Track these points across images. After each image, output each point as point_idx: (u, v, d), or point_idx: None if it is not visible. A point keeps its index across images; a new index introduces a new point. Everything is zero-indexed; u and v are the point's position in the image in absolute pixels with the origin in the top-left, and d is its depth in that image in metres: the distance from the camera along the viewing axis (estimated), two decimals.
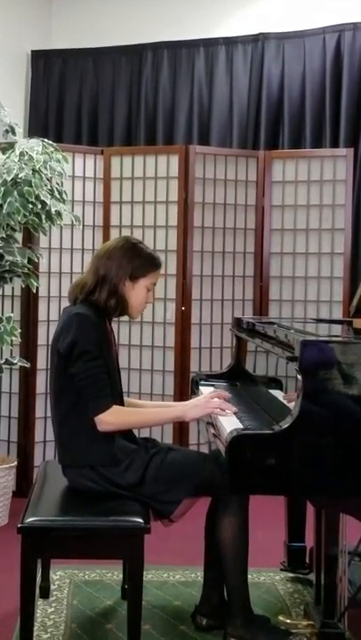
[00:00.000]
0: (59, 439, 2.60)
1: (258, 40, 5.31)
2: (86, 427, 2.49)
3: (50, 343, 4.14)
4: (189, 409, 2.62)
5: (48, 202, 3.56)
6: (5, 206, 3.47)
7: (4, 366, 3.80)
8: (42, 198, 3.53)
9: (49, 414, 4.18)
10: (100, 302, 2.57)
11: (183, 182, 4.46)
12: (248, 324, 3.18)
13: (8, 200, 3.47)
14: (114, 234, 4.49)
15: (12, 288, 4.21)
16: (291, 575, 3.17)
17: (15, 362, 3.80)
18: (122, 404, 2.68)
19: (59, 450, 2.62)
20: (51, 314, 4.33)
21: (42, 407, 4.30)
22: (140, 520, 2.37)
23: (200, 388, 3.15)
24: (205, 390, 3.05)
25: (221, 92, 5.40)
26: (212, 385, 3.18)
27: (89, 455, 2.52)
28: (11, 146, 3.71)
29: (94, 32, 5.69)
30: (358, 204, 4.93)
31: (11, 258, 3.63)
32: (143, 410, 2.71)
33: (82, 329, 2.48)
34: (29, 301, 4.28)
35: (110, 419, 2.47)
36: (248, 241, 4.64)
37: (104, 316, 2.61)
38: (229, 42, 5.39)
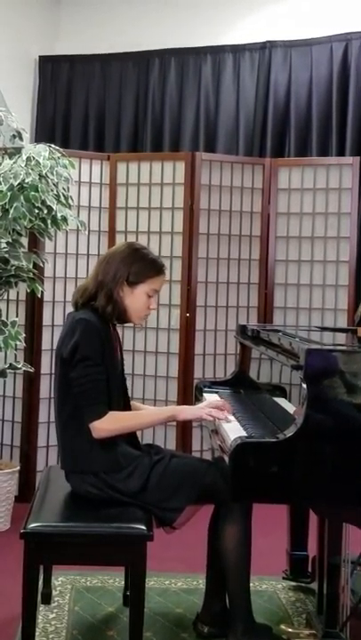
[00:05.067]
0: (62, 444, 2.60)
1: (265, 48, 5.32)
2: (88, 433, 2.49)
3: (53, 348, 4.20)
4: (184, 409, 2.67)
5: (54, 207, 3.56)
6: (12, 211, 3.48)
7: (8, 371, 3.80)
8: (48, 203, 3.53)
9: (52, 419, 4.17)
10: (99, 308, 2.57)
11: (189, 189, 4.47)
12: (253, 331, 3.17)
13: (14, 205, 3.47)
14: (119, 239, 4.49)
15: (17, 292, 4.22)
16: (293, 584, 3.16)
17: (19, 366, 3.80)
18: (128, 408, 2.68)
19: (61, 455, 2.62)
20: (55, 319, 4.33)
21: (45, 412, 4.29)
22: (143, 527, 2.37)
23: (204, 394, 3.15)
24: (210, 397, 3.04)
25: (228, 100, 5.41)
26: (216, 392, 3.18)
27: (91, 461, 2.52)
28: (18, 151, 3.72)
29: (102, 38, 5.70)
30: None
31: (16, 262, 3.63)
32: (137, 413, 2.70)
33: (85, 334, 2.48)
34: (34, 306, 4.29)
35: (104, 425, 2.47)
36: (253, 248, 4.64)
37: (108, 321, 2.61)
38: (236, 49, 5.40)
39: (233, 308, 4.61)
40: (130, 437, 2.64)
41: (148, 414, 2.69)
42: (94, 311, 2.57)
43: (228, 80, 5.42)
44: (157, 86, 5.58)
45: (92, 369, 2.46)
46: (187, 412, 2.65)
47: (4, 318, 3.76)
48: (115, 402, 2.55)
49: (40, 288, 3.80)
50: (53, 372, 2.67)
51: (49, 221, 3.60)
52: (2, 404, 4.36)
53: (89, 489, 2.53)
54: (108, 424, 2.47)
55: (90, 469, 2.52)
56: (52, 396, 2.70)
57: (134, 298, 2.60)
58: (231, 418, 2.61)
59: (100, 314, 2.57)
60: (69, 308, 4.18)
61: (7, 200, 3.48)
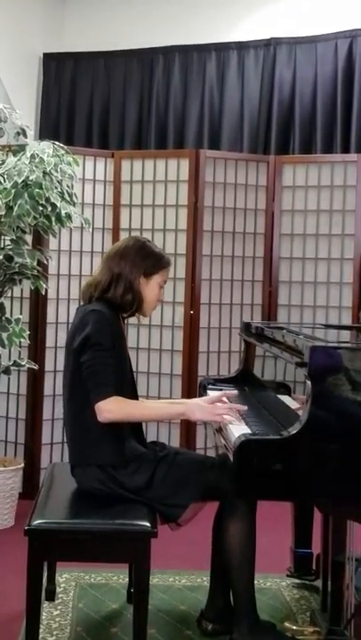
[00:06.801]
0: (70, 437, 2.61)
1: (270, 45, 5.31)
2: (97, 425, 2.49)
3: (57, 345, 4.23)
4: (195, 409, 2.57)
5: (58, 204, 3.56)
6: (16, 208, 3.48)
7: (12, 368, 3.80)
8: (52, 201, 3.53)
9: (56, 416, 4.23)
10: (116, 298, 2.60)
11: (193, 186, 4.46)
12: (257, 328, 3.17)
13: (18, 202, 3.47)
14: (123, 237, 4.46)
15: (21, 290, 4.22)
16: (297, 581, 3.16)
17: (23, 364, 3.80)
18: (135, 399, 2.70)
19: (69, 448, 2.62)
20: (59, 316, 4.33)
21: (49, 409, 4.30)
22: (147, 524, 2.37)
23: (208, 392, 3.14)
24: (213, 394, 3.03)
25: (232, 97, 5.41)
26: (221, 389, 3.17)
27: (98, 454, 2.52)
28: (22, 148, 3.72)
29: (106, 35, 5.70)
30: None
31: (20, 260, 3.64)
32: (145, 402, 2.71)
33: (97, 324, 2.51)
34: (38, 303, 4.29)
35: (110, 406, 2.45)
36: (257, 245, 4.63)
37: (118, 313, 2.64)
38: (241, 46, 5.39)
39: (237, 305, 4.60)
40: (136, 433, 2.66)
41: (157, 407, 2.68)
42: (106, 303, 2.60)
43: (233, 77, 5.41)
44: (162, 83, 5.58)
45: (102, 353, 2.48)
46: (199, 413, 2.56)
47: (8, 315, 3.76)
48: (124, 394, 2.55)
49: (44, 285, 3.80)
50: (62, 367, 2.67)
51: (53, 219, 3.60)
52: (6, 402, 4.37)
53: (94, 484, 2.53)
54: (113, 405, 2.46)
55: (96, 462, 2.52)
56: (60, 392, 2.71)
57: (149, 288, 2.66)
58: (245, 407, 2.60)
59: (115, 304, 2.61)
60: (74, 306, 4.22)
61: (11, 197, 3.48)
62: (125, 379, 2.62)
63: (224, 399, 2.66)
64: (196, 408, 2.58)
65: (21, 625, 2.67)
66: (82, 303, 2.70)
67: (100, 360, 2.48)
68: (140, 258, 2.65)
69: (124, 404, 2.52)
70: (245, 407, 2.58)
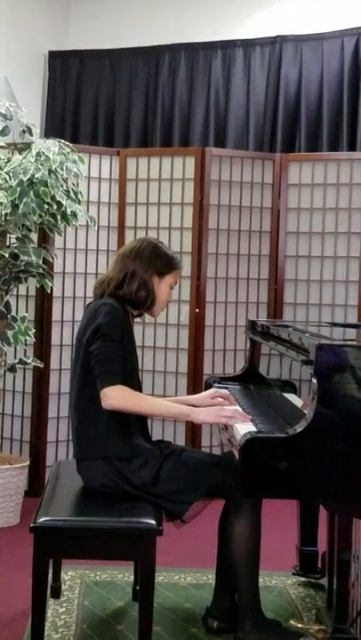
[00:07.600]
0: (76, 432, 2.62)
1: (276, 42, 5.30)
2: (104, 418, 2.51)
3: (63, 343, 4.23)
4: (200, 411, 2.61)
5: (64, 202, 3.56)
6: (21, 206, 3.49)
7: (17, 366, 3.81)
8: (57, 199, 3.54)
9: (62, 414, 4.23)
10: (130, 294, 2.63)
11: (199, 184, 4.46)
12: (262, 326, 3.17)
13: (24, 200, 3.48)
14: (129, 235, 4.49)
15: (27, 288, 4.22)
16: (303, 579, 3.16)
17: (29, 362, 3.81)
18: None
19: (76, 443, 2.63)
20: (65, 314, 4.33)
21: (55, 407, 4.30)
22: (153, 522, 2.37)
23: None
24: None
25: (238, 95, 5.40)
26: (226, 387, 3.17)
27: (104, 446, 2.53)
28: (27, 146, 3.72)
29: (111, 33, 5.70)
30: None
31: (26, 258, 3.64)
32: (150, 397, 2.73)
33: (108, 316, 2.53)
34: (44, 301, 4.29)
35: (115, 394, 2.47)
36: (263, 244, 4.63)
37: (128, 310, 2.66)
38: (247, 44, 5.39)
39: (243, 303, 4.60)
40: (143, 430, 2.67)
41: (161, 403, 2.70)
42: (118, 299, 2.62)
43: (239, 75, 5.41)
44: (167, 81, 5.58)
45: (112, 343, 2.51)
46: (204, 415, 2.60)
47: (13, 313, 3.77)
48: (131, 386, 2.55)
49: (50, 283, 3.80)
50: (68, 365, 2.69)
51: (58, 217, 3.60)
52: (12, 399, 4.37)
53: (100, 479, 2.53)
54: (118, 393, 2.47)
55: (101, 455, 2.53)
56: (66, 390, 2.72)
57: (162, 288, 2.70)
58: (249, 417, 2.59)
59: (128, 300, 2.64)
60: (79, 303, 4.24)
61: (17, 195, 3.49)
62: (133, 373, 2.64)
63: (220, 399, 2.70)
64: (201, 410, 2.63)
65: (27, 622, 2.68)
66: (94, 299, 2.72)
67: (109, 349, 2.50)
68: (155, 257, 2.68)
69: (130, 393, 2.52)
70: (250, 417, 2.57)
